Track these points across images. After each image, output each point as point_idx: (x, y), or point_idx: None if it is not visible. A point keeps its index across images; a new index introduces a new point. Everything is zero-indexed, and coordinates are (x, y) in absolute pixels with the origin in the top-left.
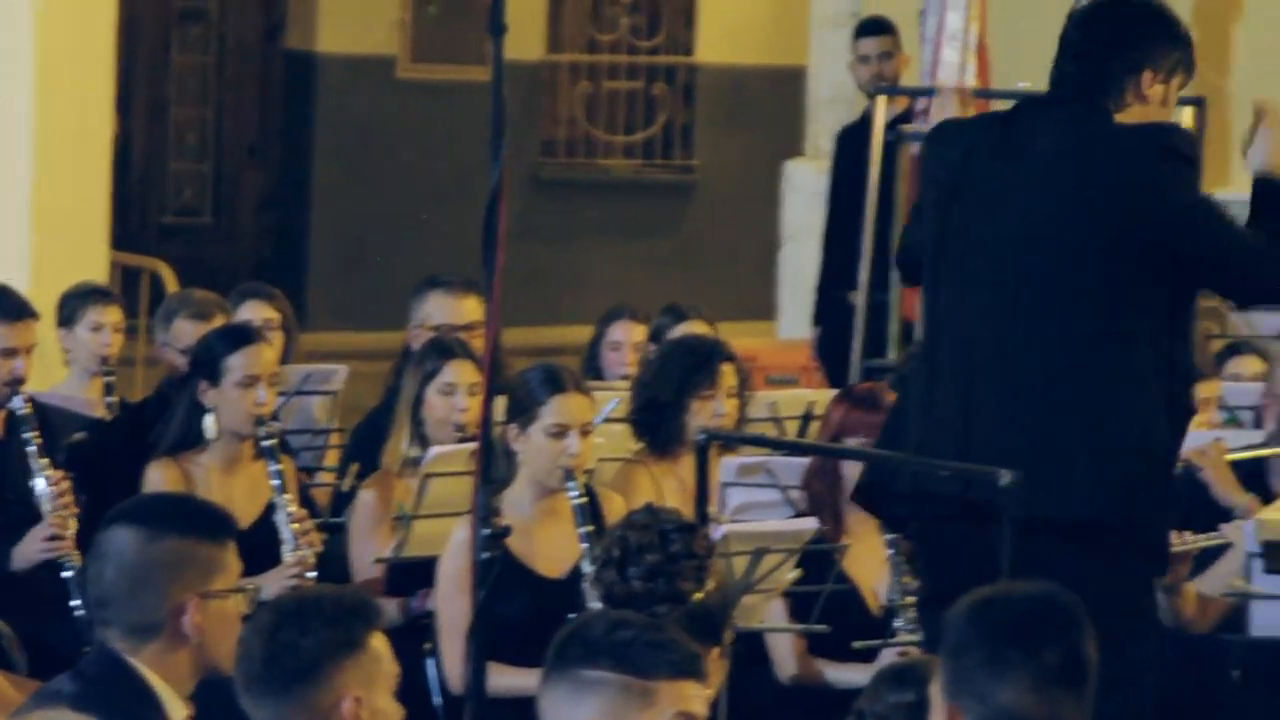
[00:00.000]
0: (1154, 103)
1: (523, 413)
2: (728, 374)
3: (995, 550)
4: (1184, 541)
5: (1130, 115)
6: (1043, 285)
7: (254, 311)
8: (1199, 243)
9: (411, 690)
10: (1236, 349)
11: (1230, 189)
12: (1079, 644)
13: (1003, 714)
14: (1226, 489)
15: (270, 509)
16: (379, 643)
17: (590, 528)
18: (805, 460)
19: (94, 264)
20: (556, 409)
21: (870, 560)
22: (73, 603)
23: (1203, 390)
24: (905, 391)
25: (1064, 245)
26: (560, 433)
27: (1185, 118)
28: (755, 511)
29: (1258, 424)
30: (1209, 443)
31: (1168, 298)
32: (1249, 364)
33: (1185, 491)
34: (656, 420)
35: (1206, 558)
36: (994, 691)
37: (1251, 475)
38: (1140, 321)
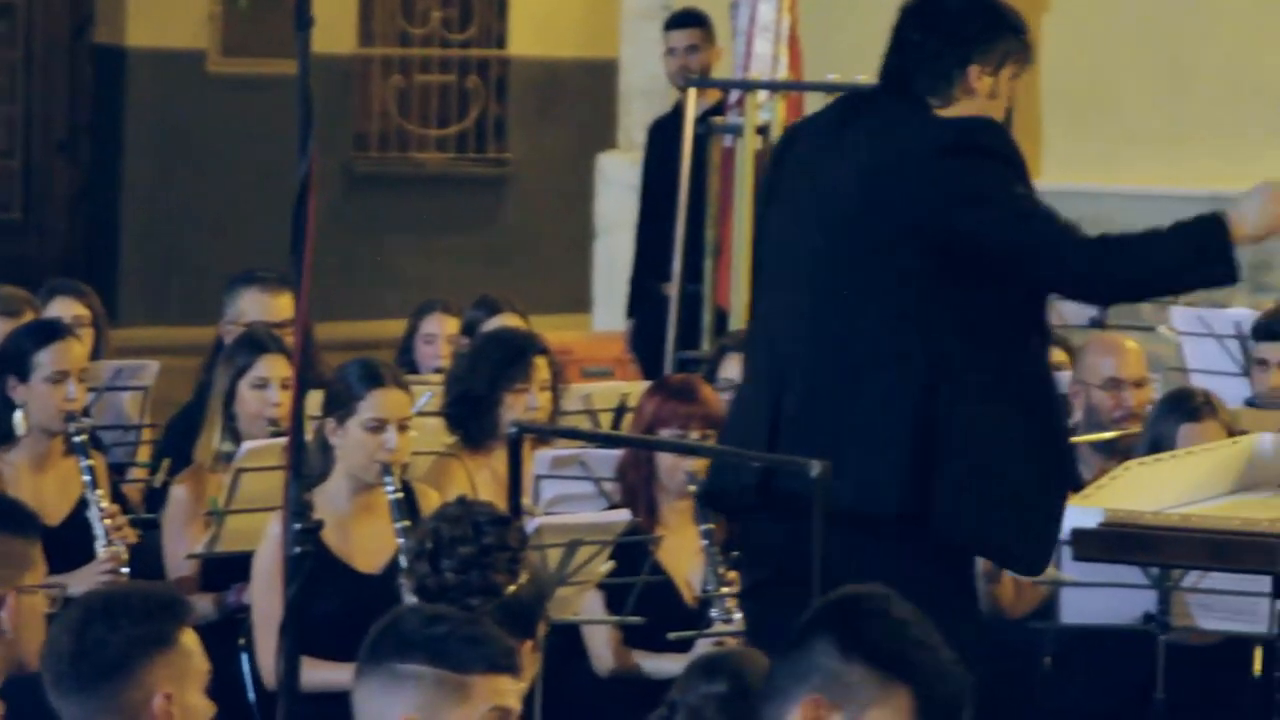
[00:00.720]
0: (982, 95)
1: (340, 407)
2: (541, 367)
3: (809, 543)
4: None
5: (958, 109)
6: (841, 281)
7: (64, 308)
8: (992, 231)
9: (227, 686)
10: None
11: (1042, 180)
12: None
13: None
14: None
15: (82, 505)
16: (189, 639)
17: (407, 523)
18: (619, 452)
19: None
20: (374, 404)
21: (685, 551)
22: None
23: None
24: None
25: (858, 242)
26: (378, 427)
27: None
28: (569, 504)
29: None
30: None
31: (971, 293)
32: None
33: None
34: (470, 413)
35: None
36: None
37: None
38: (943, 318)
